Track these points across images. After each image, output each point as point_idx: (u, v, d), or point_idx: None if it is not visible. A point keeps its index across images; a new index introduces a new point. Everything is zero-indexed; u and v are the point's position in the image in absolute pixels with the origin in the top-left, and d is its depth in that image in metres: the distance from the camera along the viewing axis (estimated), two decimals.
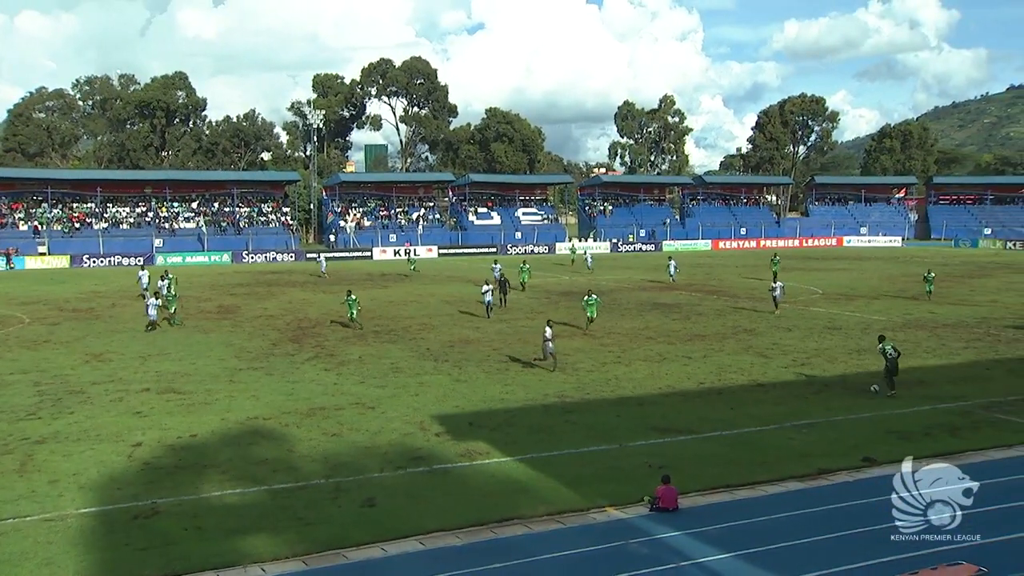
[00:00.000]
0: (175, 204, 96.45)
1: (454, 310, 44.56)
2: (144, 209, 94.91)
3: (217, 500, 16.58)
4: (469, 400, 24.50)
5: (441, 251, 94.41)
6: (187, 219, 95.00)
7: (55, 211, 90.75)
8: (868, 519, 14.94)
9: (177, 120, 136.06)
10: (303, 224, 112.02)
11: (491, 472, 18.26)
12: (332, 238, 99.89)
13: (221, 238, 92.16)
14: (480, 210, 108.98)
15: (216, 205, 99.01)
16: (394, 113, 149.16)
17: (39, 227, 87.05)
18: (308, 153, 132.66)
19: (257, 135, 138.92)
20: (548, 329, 29.03)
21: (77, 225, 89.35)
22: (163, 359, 31.17)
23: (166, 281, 44.98)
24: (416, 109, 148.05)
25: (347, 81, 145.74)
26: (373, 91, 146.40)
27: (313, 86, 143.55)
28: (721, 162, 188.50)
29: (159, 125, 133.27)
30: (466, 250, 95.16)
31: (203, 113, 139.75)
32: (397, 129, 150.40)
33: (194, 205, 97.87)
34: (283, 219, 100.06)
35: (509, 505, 16.19)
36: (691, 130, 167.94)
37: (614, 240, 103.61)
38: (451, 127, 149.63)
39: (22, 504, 16.10)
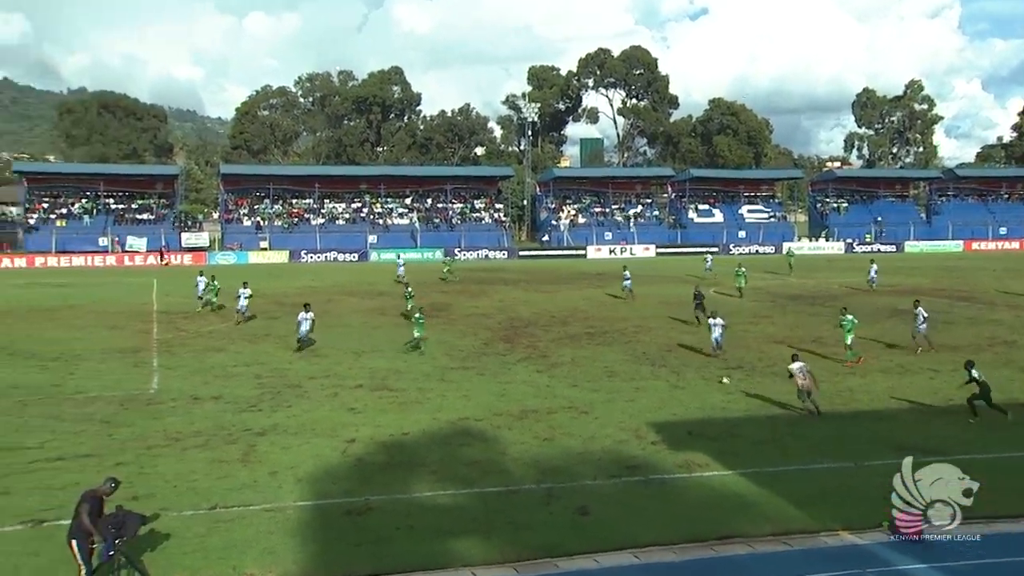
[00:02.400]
0: (389, 200, 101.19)
1: (672, 312, 44.10)
2: (359, 205, 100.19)
3: (428, 500, 17.21)
4: (687, 408, 24.18)
5: (659, 250, 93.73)
6: (400, 215, 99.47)
7: (276, 207, 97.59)
8: None
9: (392, 115, 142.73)
10: (516, 221, 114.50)
11: (711, 485, 17.94)
12: (546, 236, 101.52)
13: (434, 234, 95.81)
14: (701, 207, 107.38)
15: (429, 201, 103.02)
16: (611, 105, 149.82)
17: (261, 222, 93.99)
18: (522, 148, 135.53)
19: (471, 129, 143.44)
20: (796, 364, 23.55)
21: (295, 220, 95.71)
22: (376, 356, 32.75)
23: (245, 290, 41.40)
24: (634, 101, 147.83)
25: (563, 73, 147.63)
26: (590, 83, 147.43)
27: (528, 78, 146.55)
28: (977, 153, 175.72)
29: (375, 120, 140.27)
30: (685, 249, 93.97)
31: (417, 108, 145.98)
32: (614, 122, 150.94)
33: (408, 201, 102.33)
34: (496, 216, 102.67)
35: (730, 522, 15.84)
36: (941, 118, 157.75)
37: (848, 240, 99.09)
38: (671, 119, 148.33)
39: (246, 493, 17.41)
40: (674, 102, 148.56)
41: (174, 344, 35.41)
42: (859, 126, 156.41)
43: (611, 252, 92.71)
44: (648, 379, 28.12)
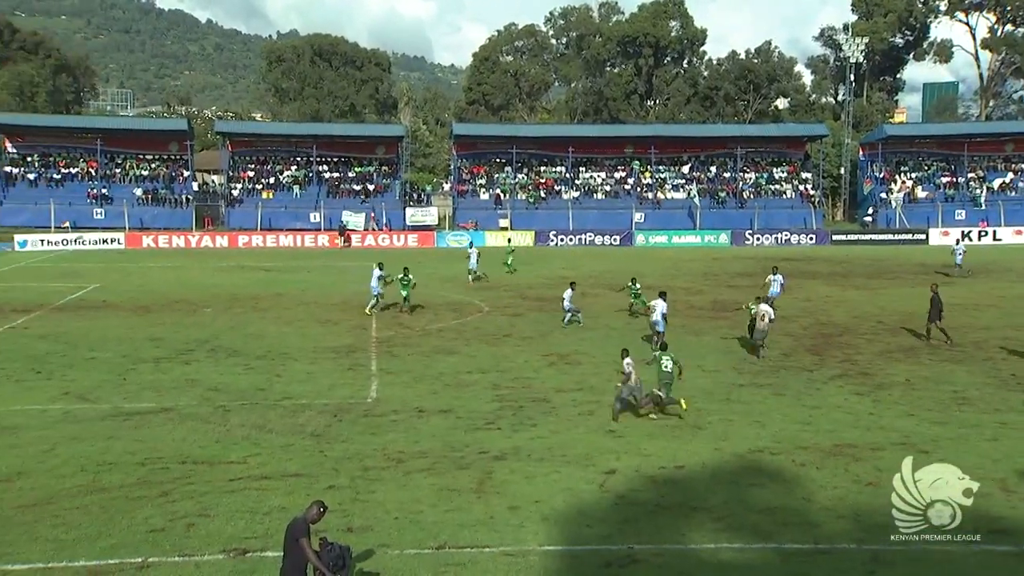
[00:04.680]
0: (661, 168, 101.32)
1: None
2: (623, 174, 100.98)
3: (708, 554, 17.10)
4: None
5: None
6: (675, 187, 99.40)
7: (520, 176, 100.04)
8: None
9: (668, 59, 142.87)
10: (829, 195, 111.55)
11: None
12: (870, 215, 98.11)
13: (718, 212, 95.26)
14: None
15: (713, 169, 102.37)
16: (973, 36, 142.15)
17: (501, 195, 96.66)
18: (841, 98, 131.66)
19: (771, 76, 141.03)
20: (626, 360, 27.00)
21: (543, 194, 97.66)
22: (642, 366, 32.86)
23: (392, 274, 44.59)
24: (1010, 27, 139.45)
25: None
26: (942, 6, 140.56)
27: (853, 5, 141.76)
28: None
29: (645, 66, 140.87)
30: None
31: (701, 49, 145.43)
32: (976, 59, 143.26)
33: (685, 169, 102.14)
34: (802, 188, 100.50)
35: None
36: None
37: None
38: None
39: (480, 531, 17.95)
40: None
41: (396, 344, 37.15)
42: None
43: (964, 237, 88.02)
44: (1019, 411, 26.74)
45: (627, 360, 26.68)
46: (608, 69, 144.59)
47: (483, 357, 34.53)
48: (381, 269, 44.93)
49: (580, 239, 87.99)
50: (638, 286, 43.62)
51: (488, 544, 17.33)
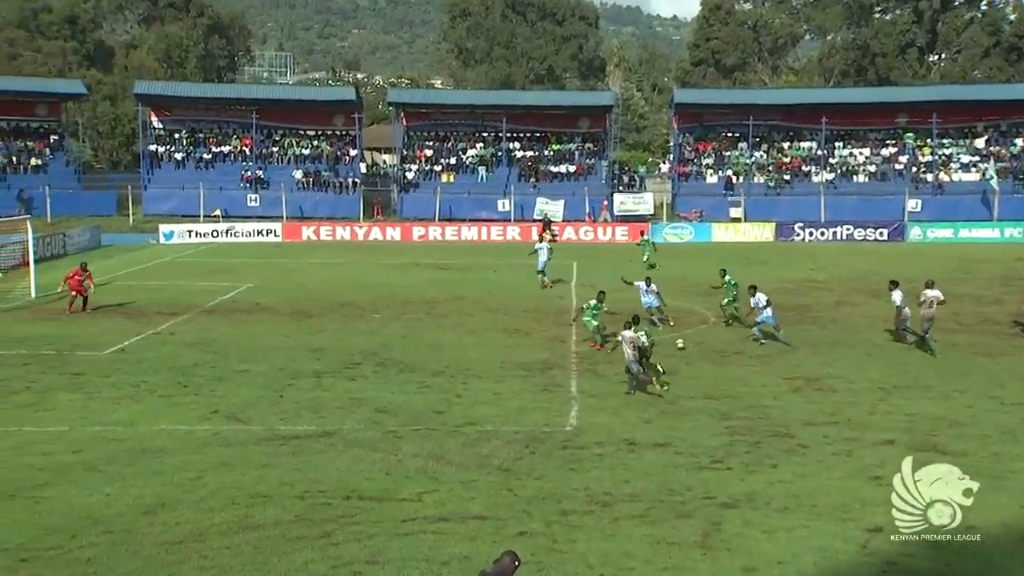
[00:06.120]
0: (946, 142, 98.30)
1: None
2: (893, 150, 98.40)
3: None
4: None
5: None
6: (965, 167, 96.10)
7: (757, 154, 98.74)
8: None
9: (959, 2, 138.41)
10: None
11: None
12: None
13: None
14: None
15: (1019, 143, 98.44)
16: None
17: (733, 178, 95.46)
18: None
19: None
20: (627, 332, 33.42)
21: (787, 176, 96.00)
22: (915, 394, 32.07)
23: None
24: None
25: None
26: None
27: None
28: None
29: (928, 11, 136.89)
30: None
31: None
32: None
33: (979, 143, 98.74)
34: None
35: None
36: None
37: None
38: None
39: None
40: None
41: (600, 360, 37.22)
42: None
43: None
44: None
45: (626, 332, 32.12)
46: (877, 16, 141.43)
47: (708, 379, 34.32)
48: (649, 284, 44.09)
49: (835, 232, 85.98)
50: (728, 277, 43.55)
51: None
